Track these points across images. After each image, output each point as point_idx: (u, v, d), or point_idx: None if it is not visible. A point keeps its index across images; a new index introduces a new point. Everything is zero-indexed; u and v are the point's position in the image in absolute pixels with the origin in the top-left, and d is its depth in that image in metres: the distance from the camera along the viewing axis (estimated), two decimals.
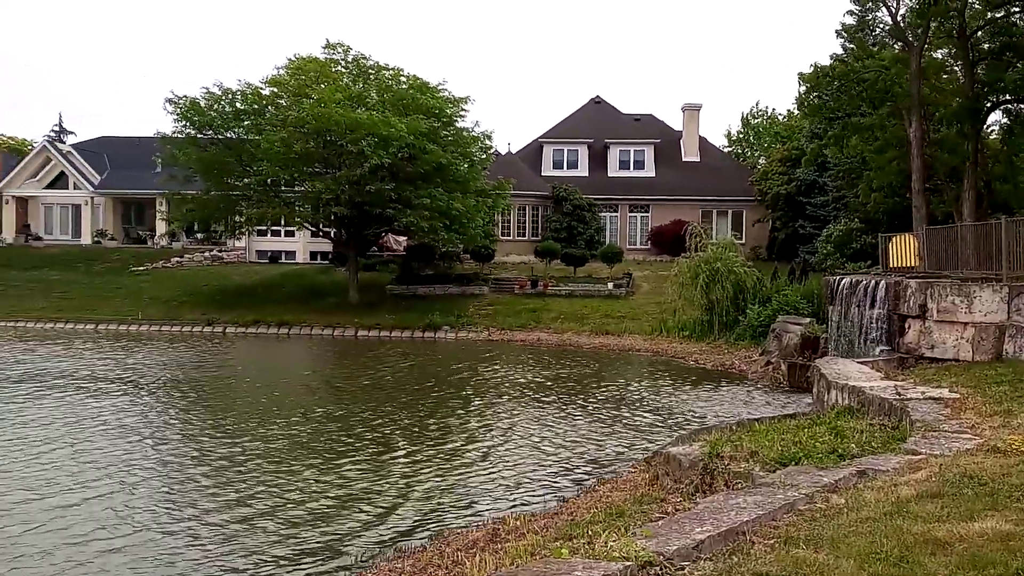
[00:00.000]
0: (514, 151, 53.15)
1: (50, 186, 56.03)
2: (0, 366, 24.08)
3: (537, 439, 15.37)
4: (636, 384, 22.51)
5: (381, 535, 10.13)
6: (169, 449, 14.47)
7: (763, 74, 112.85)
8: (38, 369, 23.66)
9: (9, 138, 78.06)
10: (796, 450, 9.34)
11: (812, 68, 31.42)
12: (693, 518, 6.61)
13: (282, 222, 45.90)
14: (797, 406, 17.37)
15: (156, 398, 19.71)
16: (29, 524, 10.31)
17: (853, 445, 9.48)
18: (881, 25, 31.45)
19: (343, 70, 39.69)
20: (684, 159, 53.43)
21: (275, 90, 38.47)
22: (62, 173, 55.53)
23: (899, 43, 30.60)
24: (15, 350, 28.15)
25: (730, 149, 70.54)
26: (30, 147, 66.47)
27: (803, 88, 32.28)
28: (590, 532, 7.46)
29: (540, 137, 54.20)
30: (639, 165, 52.64)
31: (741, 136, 73.70)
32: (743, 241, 45.17)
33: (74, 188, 55.30)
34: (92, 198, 54.90)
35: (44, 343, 30.49)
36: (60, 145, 59.33)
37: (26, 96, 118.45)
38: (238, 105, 38.28)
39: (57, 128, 75.72)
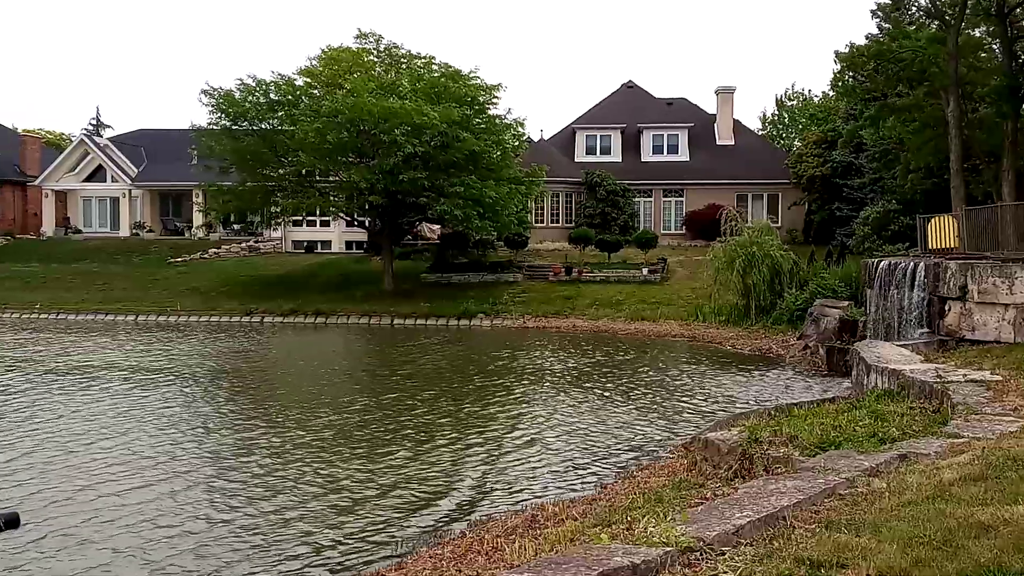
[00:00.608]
0: (547, 138, 53.04)
1: (88, 179, 56.68)
2: (46, 358, 24.39)
3: (574, 425, 15.38)
4: (673, 370, 22.44)
5: (423, 521, 10.20)
6: (218, 439, 14.63)
7: (798, 55, 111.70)
8: (85, 361, 23.94)
9: (48, 132, 79.03)
10: (836, 434, 9.29)
11: (848, 48, 31.06)
12: (733, 503, 6.60)
13: (317, 212, 46.16)
14: (836, 390, 17.27)
15: (202, 388, 19.91)
16: (90, 514, 10.44)
17: (894, 429, 9.42)
18: (917, 4, 31.03)
19: (375, 59, 39.82)
20: (718, 142, 53.01)
21: (308, 81, 38.68)
22: (100, 166, 56.15)
23: (936, 22, 30.15)
24: (60, 342, 28.52)
25: (765, 132, 69.93)
26: (68, 141, 67.26)
27: (839, 68, 31.93)
28: (629, 518, 7.47)
29: (573, 123, 54.01)
30: (673, 149, 52.30)
31: (776, 118, 73.04)
32: (779, 224, 44.78)
33: (112, 181, 55.90)
34: (130, 191, 55.47)
35: (87, 335, 30.88)
36: (98, 139, 59.96)
37: (63, 90, 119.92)
38: (272, 96, 38.49)
39: (94, 122, 76.47)
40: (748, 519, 6.04)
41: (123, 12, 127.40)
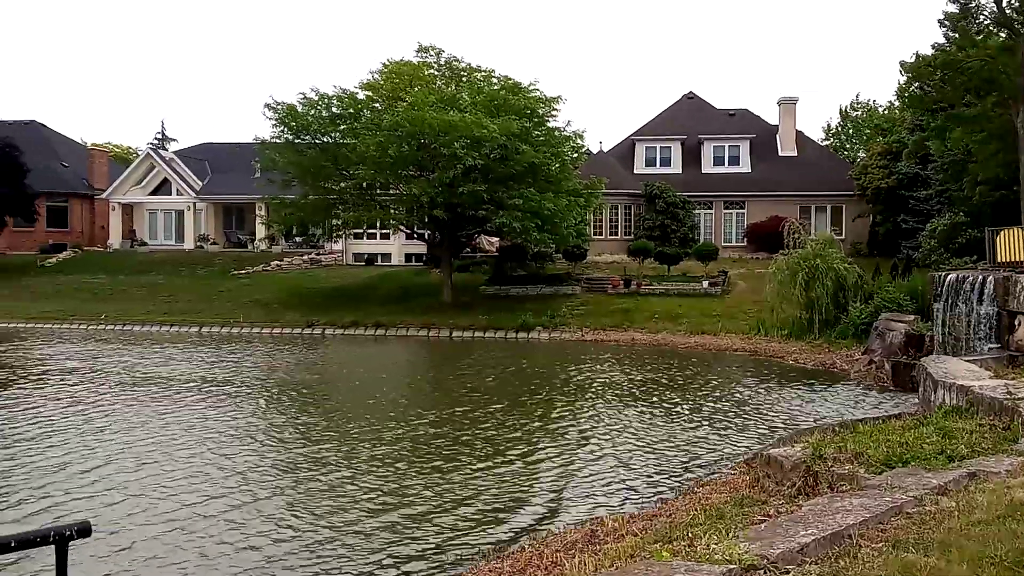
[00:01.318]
0: (606, 150, 52.97)
1: (154, 192, 57.90)
2: (118, 370, 24.86)
3: (635, 440, 15.29)
4: (734, 384, 22.21)
5: (487, 536, 10.21)
6: (292, 451, 14.74)
7: (862, 66, 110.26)
8: (155, 373, 24.35)
9: (115, 146, 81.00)
10: (902, 451, 9.11)
11: (914, 58, 30.56)
12: (797, 521, 6.50)
13: (378, 225, 46.63)
14: (902, 406, 16.93)
15: (271, 400, 20.14)
16: (168, 525, 10.58)
17: (962, 446, 9.21)
18: (986, 13, 30.40)
19: (436, 73, 40.11)
20: (780, 154, 52.48)
21: (370, 94, 39.07)
22: (166, 180, 57.32)
23: (1005, 31, 29.53)
24: (128, 353, 29.08)
25: (828, 143, 69.09)
26: (135, 155, 68.85)
27: (904, 78, 31.43)
28: (690, 534, 7.39)
29: (632, 135, 53.87)
30: (734, 161, 51.90)
31: (840, 129, 72.13)
32: (843, 237, 44.19)
33: (177, 194, 57.03)
34: (194, 203, 56.53)
35: (154, 346, 31.47)
36: (163, 152, 61.26)
37: (130, 105, 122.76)
38: (334, 110, 38.95)
39: (160, 136, 78.25)
40: (813, 537, 5.94)
41: (189, 28, 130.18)
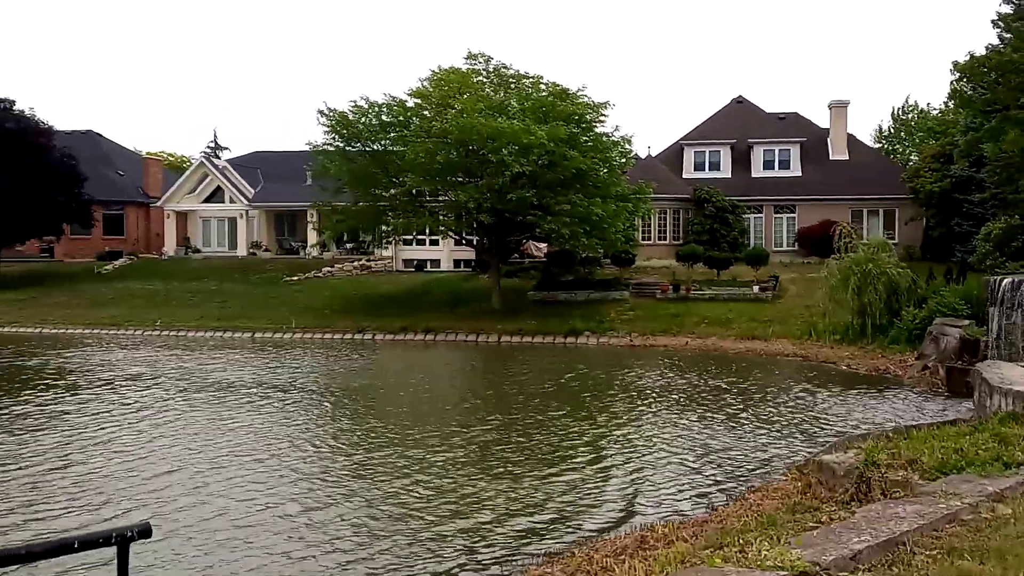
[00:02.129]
0: (654, 154, 52.79)
1: (207, 200, 58.78)
2: (179, 374, 25.22)
3: (687, 445, 15.27)
4: (785, 389, 22.03)
5: (549, 541, 10.25)
6: (357, 455, 14.80)
7: (914, 67, 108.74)
8: (214, 378, 24.67)
9: (169, 155, 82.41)
10: (957, 458, 9.01)
11: (967, 58, 30.10)
12: (850, 527, 6.48)
13: (427, 231, 46.90)
14: (957, 412, 16.74)
15: (334, 406, 20.34)
16: (238, 529, 10.72)
17: (1019, 452, 9.10)
18: None
19: (484, 80, 40.24)
20: (831, 157, 51.96)
21: (419, 102, 39.32)
22: (218, 188, 58.16)
23: None
24: (186, 359, 29.49)
25: (880, 146, 68.23)
26: (188, 163, 69.99)
27: (957, 79, 30.96)
28: (742, 540, 7.38)
29: (681, 139, 53.67)
30: (784, 164, 51.48)
31: (892, 132, 71.20)
32: (895, 241, 43.59)
33: (230, 202, 57.83)
34: (247, 211, 57.29)
35: (209, 351, 31.93)
36: (216, 161, 62.19)
37: (183, 114, 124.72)
38: (384, 118, 39.27)
39: (213, 144, 79.30)
40: (866, 544, 5.92)
41: (242, 38, 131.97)
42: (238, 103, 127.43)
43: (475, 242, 42.45)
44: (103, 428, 17.05)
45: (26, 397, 20.95)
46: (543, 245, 46.43)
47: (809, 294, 34.44)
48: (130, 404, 19.94)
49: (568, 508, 11.57)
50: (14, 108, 50.84)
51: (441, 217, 40.56)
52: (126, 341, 35.71)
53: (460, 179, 37.92)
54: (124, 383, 23.27)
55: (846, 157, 51.83)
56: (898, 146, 69.46)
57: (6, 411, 19.01)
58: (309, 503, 11.81)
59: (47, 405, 19.79)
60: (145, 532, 3.56)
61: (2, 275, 50.73)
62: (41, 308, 43.64)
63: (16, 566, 7.68)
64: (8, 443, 15.56)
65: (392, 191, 39.16)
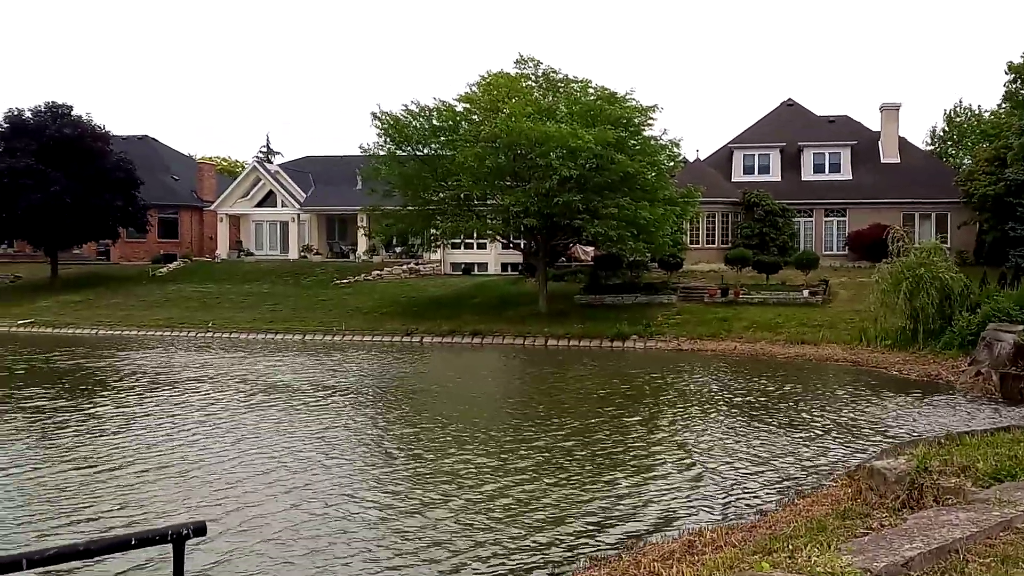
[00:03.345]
0: (703, 158, 52.57)
1: (260, 204, 59.54)
2: (234, 377, 25.49)
3: (735, 450, 15.19)
4: (836, 395, 21.84)
5: (582, 544, 10.30)
6: (434, 462, 14.68)
7: (967, 69, 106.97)
8: (271, 379, 24.89)
9: (222, 160, 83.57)
10: (1012, 464, 8.91)
11: (1022, 59, 29.61)
12: (901, 534, 6.45)
13: (474, 235, 47.12)
14: (1011, 418, 16.47)
15: (394, 408, 20.53)
16: (308, 531, 10.77)
17: None
18: None
19: (533, 84, 40.36)
20: (883, 160, 51.35)
21: (468, 106, 39.52)
22: (271, 192, 58.89)
23: None
24: (245, 361, 29.84)
25: (933, 149, 67.22)
26: (241, 168, 70.94)
27: (1011, 80, 30.47)
28: (791, 546, 7.36)
29: (730, 142, 53.36)
30: (835, 168, 50.99)
31: (945, 135, 70.11)
32: (948, 245, 42.91)
33: (282, 206, 58.52)
34: (298, 215, 57.92)
35: (262, 353, 32.31)
36: (268, 165, 62.97)
37: (236, 118, 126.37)
38: (434, 121, 39.52)
39: (265, 149, 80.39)
40: (918, 551, 5.89)
41: (294, 44, 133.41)
42: (290, 108, 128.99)
43: (522, 246, 42.56)
44: (170, 429, 17.28)
45: (96, 398, 21.35)
46: (590, 249, 46.40)
47: (860, 299, 34.06)
48: (196, 406, 20.22)
49: (616, 511, 11.59)
50: (72, 114, 51.92)
51: (489, 221, 40.72)
52: (180, 343, 36.28)
53: (508, 183, 38.06)
54: (187, 385, 23.58)
55: (898, 160, 51.18)
56: (951, 149, 68.37)
57: (79, 412, 19.40)
58: (373, 504, 11.91)
59: (115, 407, 20.12)
60: (200, 530, 3.65)
61: (60, 277, 51.83)
62: (97, 310, 44.52)
63: (78, 562, 7.95)
64: (84, 443, 15.85)
65: (441, 195, 39.41)
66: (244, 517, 11.24)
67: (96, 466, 14.05)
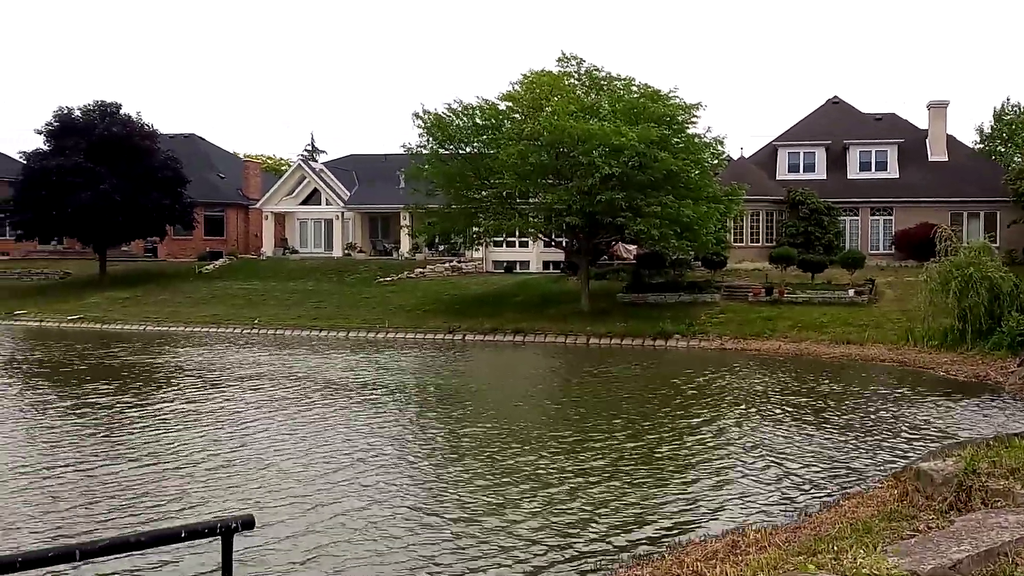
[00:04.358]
0: (747, 156, 52.19)
1: (305, 202, 60.04)
2: (283, 374, 25.68)
3: (780, 450, 15.12)
4: (882, 395, 21.61)
5: (625, 542, 10.31)
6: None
7: (1017, 67, 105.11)
8: (321, 377, 25.07)
9: (268, 158, 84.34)
10: None
11: None
12: (948, 537, 6.39)
13: (516, 233, 47.14)
14: None
15: (447, 407, 20.60)
16: (361, 532, 10.84)
17: None
18: None
19: (576, 82, 40.30)
20: (930, 159, 50.64)
21: (511, 105, 39.55)
22: (315, 190, 59.35)
23: None
24: (288, 358, 30.08)
25: (982, 147, 66.14)
26: (286, 166, 71.56)
27: None
28: (836, 548, 7.32)
29: (775, 140, 52.92)
30: (881, 166, 50.37)
31: (994, 133, 68.97)
32: (997, 244, 42.24)
33: (326, 204, 58.95)
34: (342, 213, 58.31)
35: (308, 351, 32.51)
36: (313, 164, 63.43)
37: (282, 117, 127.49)
38: (477, 120, 39.60)
39: (310, 147, 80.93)
40: (966, 554, 5.84)
41: (339, 44, 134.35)
42: (335, 107, 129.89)
43: (564, 244, 42.54)
44: (233, 426, 17.51)
45: (158, 395, 21.66)
46: (632, 247, 46.24)
47: (906, 298, 33.65)
48: (256, 402, 20.48)
49: (661, 510, 11.58)
50: (120, 112, 52.67)
51: (531, 219, 40.71)
52: (228, 339, 36.61)
53: (551, 181, 38.03)
54: (247, 382, 23.81)
55: (945, 159, 50.46)
56: (1000, 147, 67.21)
57: (143, 408, 19.74)
58: (422, 504, 12.01)
59: (178, 403, 20.41)
60: (248, 524, 3.72)
61: (108, 274, 52.62)
62: (144, 306, 45.16)
63: (129, 553, 8.11)
64: (149, 440, 16.14)
65: (483, 193, 39.48)
66: (320, 516, 11.37)
67: (162, 462, 14.33)
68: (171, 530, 3.70)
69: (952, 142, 51.95)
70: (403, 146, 42.76)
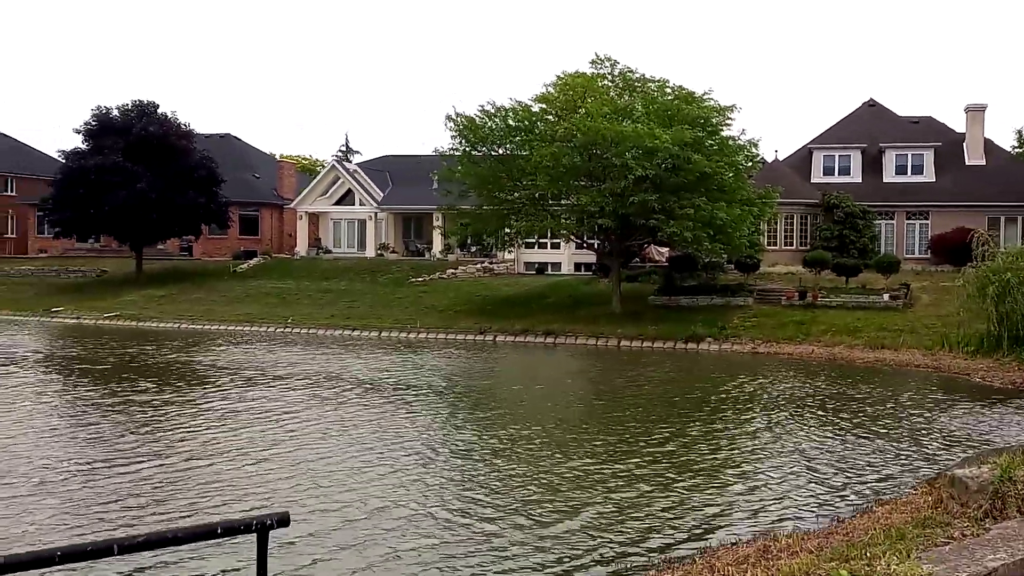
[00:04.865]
0: (781, 158, 51.83)
1: (338, 203, 60.36)
2: (320, 373, 25.83)
3: (811, 455, 15.05)
4: (916, 401, 21.43)
5: (655, 544, 10.31)
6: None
7: None
8: (359, 377, 25.20)
9: (302, 159, 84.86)
10: None
11: None
12: (984, 544, 6.35)
13: (548, 234, 47.14)
14: None
15: (484, 408, 20.76)
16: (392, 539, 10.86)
17: None
18: None
19: (609, 84, 40.25)
20: (967, 163, 50.05)
21: (544, 106, 39.56)
22: (349, 190, 59.65)
23: None
24: (323, 357, 30.25)
25: (1021, 150, 65.30)
26: (320, 166, 71.99)
27: None
28: (869, 554, 7.28)
29: (809, 143, 52.53)
30: (917, 170, 49.86)
31: None
32: None
33: (360, 204, 59.23)
34: (376, 213, 58.57)
35: (342, 350, 32.67)
36: (347, 164, 63.75)
37: (316, 118, 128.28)
38: (510, 122, 39.64)
39: (344, 148, 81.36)
40: (1001, 562, 5.80)
41: (374, 45, 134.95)
42: (369, 107, 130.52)
43: (596, 245, 42.47)
44: (274, 424, 17.68)
45: (199, 393, 21.88)
46: (665, 249, 46.07)
47: (942, 303, 33.30)
48: (285, 400, 20.64)
49: (691, 513, 11.57)
50: (157, 112, 53.22)
51: (563, 220, 40.71)
52: (261, 338, 36.89)
53: (583, 183, 37.99)
54: (273, 381, 23.99)
55: (983, 162, 49.87)
56: None
57: (185, 405, 19.98)
58: (455, 503, 12.09)
59: (218, 400, 20.69)
60: (284, 521, 3.77)
61: (144, 272, 53.18)
62: (179, 304, 45.61)
63: (165, 549, 8.22)
64: (191, 437, 16.37)
65: (515, 194, 39.51)
66: (354, 514, 11.46)
67: (199, 459, 14.51)
68: (208, 526, 3.74)
69: (990, 145, 51.34)
70: (436, 150, 42.95)
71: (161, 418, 18.22)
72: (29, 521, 11.02)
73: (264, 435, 16.49)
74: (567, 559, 9.86)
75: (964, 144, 50.74)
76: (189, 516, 11.23)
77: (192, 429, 17.08)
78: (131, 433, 16.56)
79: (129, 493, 12.34)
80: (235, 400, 20.65)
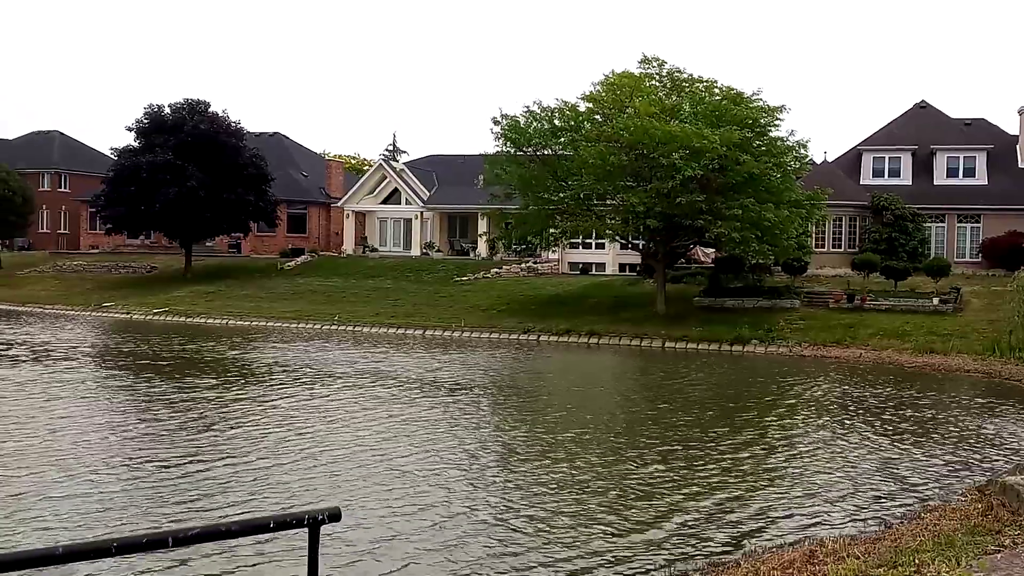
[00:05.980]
0: (831, 160, 51.35)
1: (385, 201, 60.79)
2: (370, 370, 26.05)
3: (860, 460, 14.93)
4: (967, 407, 21.14)
5: (700, 547, 10.30)
6: (542, 462, 14.75)
7: None
8: (398, 373, 25.41)
9: (350, 158, 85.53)
10: None
11: None
12: None
13: (593, 235, 47.05)
14: None
15: (540, 408, 20.78)
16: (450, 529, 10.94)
17: None
18: None
19: (657, 84, 40.08)
20: (1021, 165, 49.20)
21: (591, 106, 39.49)
22: (395, 190, 60.03)
23: None
24: (370, 354, 30.46)
25: None
26: (367, 165, 72.50)
27: None
28: (917, 560, 7.23)
29: (859, 144, 51.96)
30: (969, 172, 49.10)
31: None
32: None
33: (406, 203, 59.60)
34: (421, 213, 58.89)
35: (389, 347, 32.85)
36: (394, 164, 64.14)
37: (364, 118, 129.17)
38: (556, 122, 39.62)
39: (391, 148, 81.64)
40: None
41: (424, 45, 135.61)
42: (417, 107, 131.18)
43: (641, 246, 42.30)
44: (339, 422, 17.81)
45: (262, 390, 22.01)
46: (710, 251, 45.77)
47: (993, 308, 32.78)
48: (336, 398, 20.83)
49: (738, 516, 11.54)
50: (208, 110, 53.91)
51: (608, 221, 40.56)
52: (308, 335, 37.20)
53: (629, 183, 37.84)
54: (321, 378, 24.20)
55: None
56: None
57: (249, 403, 20.14)
58: (501, 501, 12.14)
59: (260, 396, 20.93)
60: (335, 516, 3.84)
61: (193, 268, 53.92)
62: (227, 301, 46.17)
63: (219, 541, 8.37)
64: (234, 431, 16.62)
65: (560, 194, 39.47)
66: (404, 511, 11.51)
67: (253, 454, 14.68)
68: (260, 520, 3.82)
69: None
70: (481, 153, 43.09)
71: (229, 415, 18.30)
72: (115, 516, 11.16)
73: (315, 431, 16.60)
74: (611, 561, 9.85)
75: (1017, 147, 49.90)
76: (243, 509, 11.40)
77: (246, 424, 17.24)
78: (190, 428, 16.71)
79: (188, 485, 12.53)
80: (288, 396, 20.82)
